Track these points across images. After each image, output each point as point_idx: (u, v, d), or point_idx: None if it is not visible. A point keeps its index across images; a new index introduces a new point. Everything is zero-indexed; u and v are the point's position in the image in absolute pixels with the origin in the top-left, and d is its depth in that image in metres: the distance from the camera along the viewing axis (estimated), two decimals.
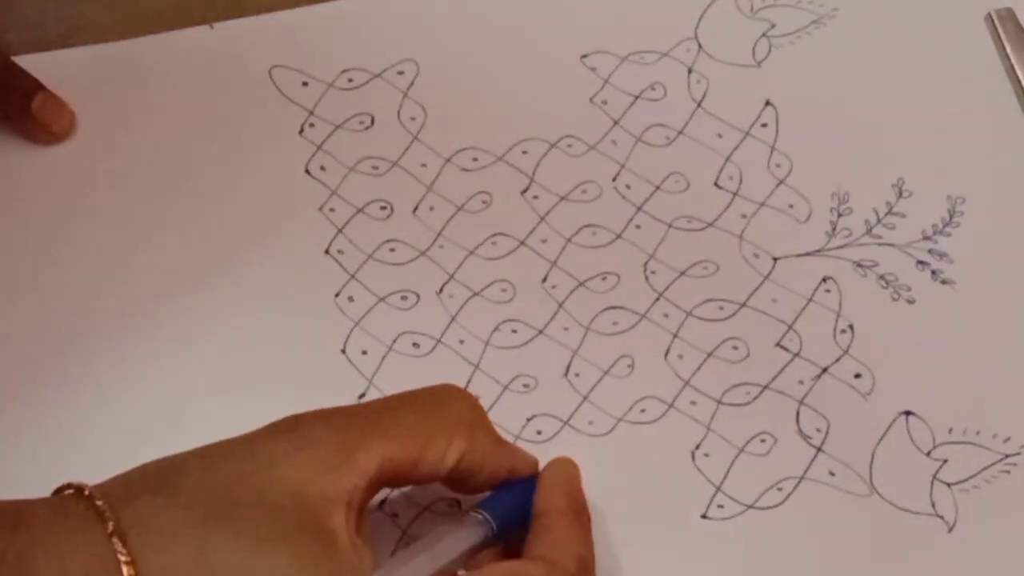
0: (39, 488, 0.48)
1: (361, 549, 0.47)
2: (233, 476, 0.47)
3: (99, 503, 0.46)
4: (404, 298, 0.61)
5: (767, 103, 0.67)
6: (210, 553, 0.45)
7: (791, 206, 0.64)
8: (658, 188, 0.64)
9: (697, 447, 0.57)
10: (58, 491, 0.48)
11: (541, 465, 0.54)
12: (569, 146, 0.65)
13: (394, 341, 0.60)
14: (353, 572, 0.47)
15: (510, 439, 0.57)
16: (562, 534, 0.50)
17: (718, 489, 0.56)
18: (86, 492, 0.47)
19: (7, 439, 0.57)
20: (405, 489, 0.55)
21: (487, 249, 0.62)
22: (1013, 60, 0.68)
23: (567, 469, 0.53)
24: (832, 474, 0.57)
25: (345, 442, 0.48)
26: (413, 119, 0.66)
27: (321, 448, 0.48)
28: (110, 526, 0.45)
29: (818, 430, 0.58)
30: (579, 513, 0.52)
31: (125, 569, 0.45)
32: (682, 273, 0.62)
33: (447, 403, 0.51)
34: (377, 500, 0.54)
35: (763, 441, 0.58)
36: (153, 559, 0.45)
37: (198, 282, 0.61)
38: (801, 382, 0.59)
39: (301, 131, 0.65)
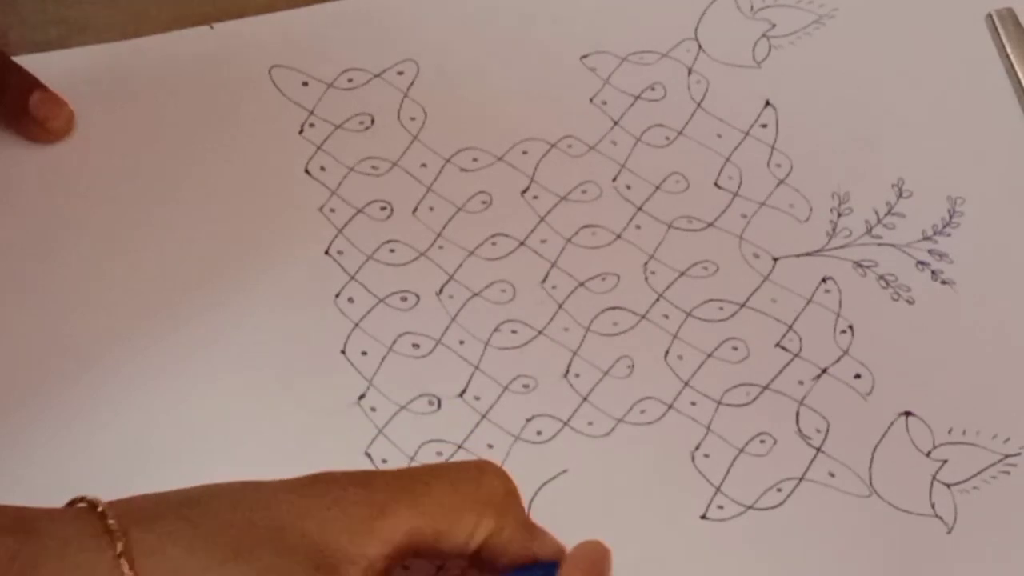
0: (37, 490, 0.48)
1: None
2: (257, 519, 0.47)
3: (111, 522, 0.45)
4: (404, 299, 0.61)
5: (767, 103, 0.67)
6: None
7: (791, 206, 0.64)
8: (658, 188, 0.64)
9: (697, 448, 0.57)
10: (72, 503, 0.47)
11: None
12: (569, 146, 0.65)
13: (394, 342, 0.60)
14: None
15: (510, 440, 0.57)
16: None
17: (718, 490, 0.56)
18: (99, 508, 0.46)
19: (6, 440, 0.57)
20: None
21: (487, 249, 0.62)
22: (1013, 60, 0.68)
23: (595, 552, 0.51)
24: (832, 475, 0.57)
25: (373, 507, 0.47)
26: (413, 119, 0.66)
27: (349, 510, 0.47)
28: (119, 547, 0.45)
29: (818, 431, 0.58)
30: None
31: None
32: (682, 273, 0.62)
33: (481, 481, 0.50)
34: None
35: (763, 442, 0.58)
36: None
37: (197, 283, 0.61)
38: (801, 382, 0.59)
39: (301, 131, 0.65)
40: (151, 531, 0.46)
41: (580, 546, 0.51)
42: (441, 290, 0.61)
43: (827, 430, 0.58)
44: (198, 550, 0.45)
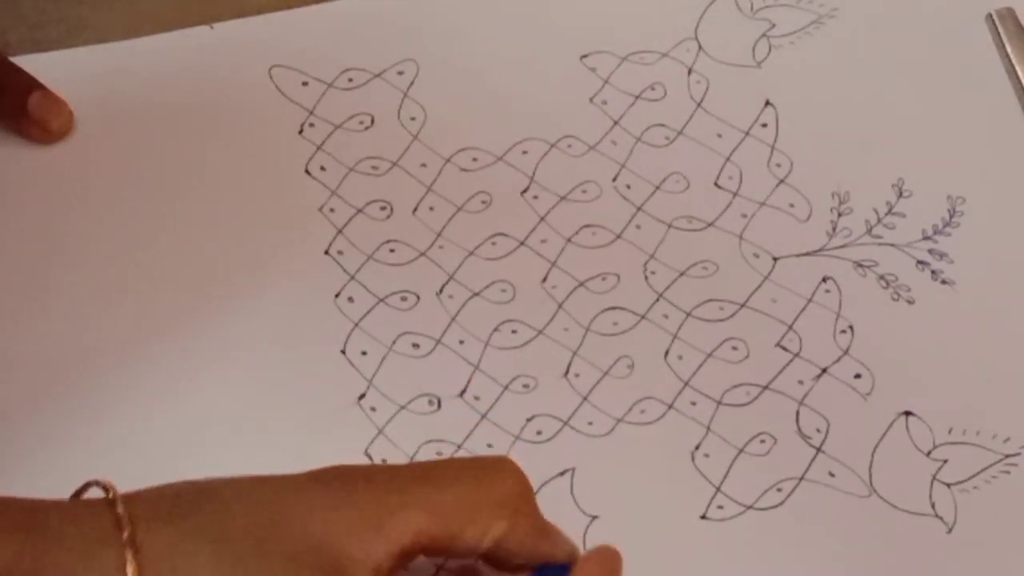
0: (37, 491, 0.48)
1: None
2: (263, 521, 0.46)
3: (119, 510, 0.45)
4: (404, 299, 0.61)
5: (767, 103, 0.67)
6: None
7: (791, 206, 0.64)
8: (658, 188, 0.64)
9: (697, 447, 0.57)
10: (84, 488, 0.47)
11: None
12: (569, 146, 0.65)
13: (394, 342, 0.60)
14: None
15: (509, 439, 0.57)
16: None
17: (718, 490, 0.56)
18: (111, 495, 0.46)
19: (6, 440, 0.57)
20: None
21: (487, 249, 0.62)
22: (1013, 60, 0.68)
23: (609, 558, 0.50)
24: (832, 475, 0.57)
25: (382, 507, 0.46)
26: (413, 119, 0.66)
27: (357, 510, 0.46)
28: (125, 533, 0.45)
29: (818, 430, 0.58)
30: None
31: (130, 569, 0.44)
32: (682, 273, 0.62)
33: (495, 480, 0.48)
34: None
35: (763, 442, 0.58)
36: None
37: (197, 282, 0.61)
38: (801, 382, 0.59)
39: (301, 131, 0.65)
40: (158, 532, 0.45)
41: (594, 550, 0.50)
42: (441, 290, 0.61)
43: (827, 430, 0.58)
44: (202, 553, 0.45)
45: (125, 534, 0.45)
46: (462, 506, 0.47)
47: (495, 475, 0.48)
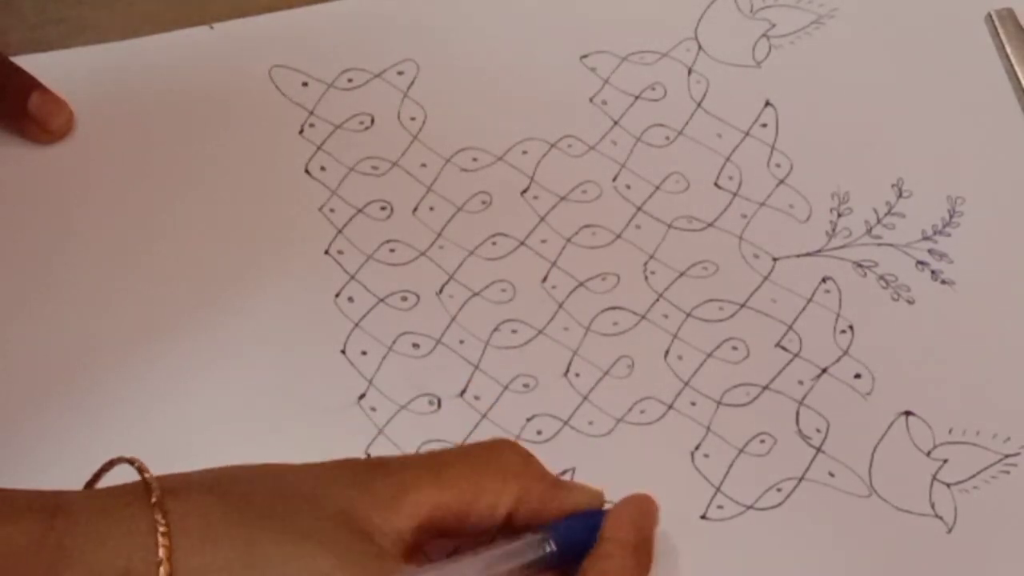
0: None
1: (406, 567, 0.47)
2: (287, 489, 0.48)
3: (147, 476, 0.47)
4: (404, 298, 0.61)
5: (767, 103, 0.67)
6: (255, 549, 0.46)
7: (791, 206, 0.64)
8: (658, 188, 0.64)
9: (697, 448, 0.57)
10: (109, 463, 0.49)
11: (608, 495, 0.53)
12: (569, 146, 0.65)
13: (394, 342, 0.60)
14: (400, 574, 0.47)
15: (509, 439, 0.57)
16: (620, 567, 0.50)
17: (717, 490, 0.56)
18: (136, 464, 0.48)
19: (5, 440, 0.57)
20: None
21: (487, 249, 0.62)
22: (1013, 60, 0.68)
23: (644, 504, 0.52)
24: (832, 475, 0.57)
25: (396, 487, 0.49)
26: (413, 119, 0.66)
27: (372, 489, 0.49)
28: (154, 496, 0.46)
29: (818, 430, 0.58)
30: (643, 550, 0.51)
31: (161, 540, 0.45)
32: (682, 273, 0.62)
33: (498, 455, 0.52)
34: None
35: (763, 442, 0.58)
36: (195, 546, 0.46)
37: (197, 282, 0.61)
38: (801, 382, 0.59)
39: (301, 131, 0.65)
40: (185, 499, 0.47)
41: (631, 496, 0.52)
42: (441, 290, 0.61)
43: (827, 430, 0.58)
44: (229, 515, 0.47)
45: (154, 497, 0.46)
46: (472, 478, 0.50)
47: (497, 451, 0.52)
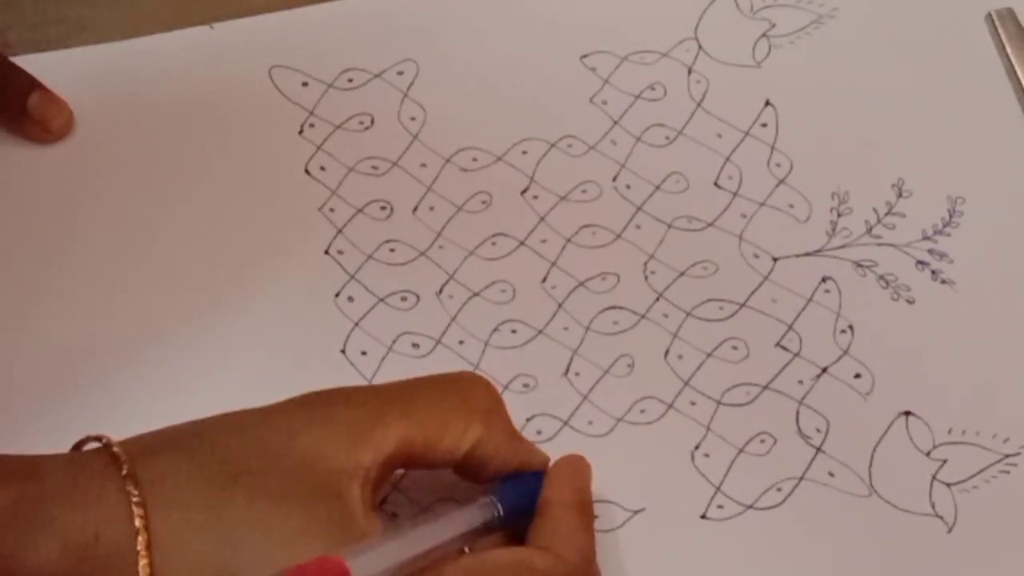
0: None
1: (374, 520, 0.48)
2: (250, 443, 0.48)
3: (116, 450, 0.47)
4: (404, 298, 0.61)
5: (767, 103, 0.67)
6: (225, 512, 0.46)
7: (791, 206, 0.64)
8: (658, 188, 0.64)
9: (697, 447, 0.57)
10: (79, 444, 0.49)
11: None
12: (569, 146, 0.65)
13: (394, 342, 0.60)
14: (365, 539, 0.47)
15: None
16: (567, 526, 0.51)
17: (718, 489, 0.56)
18: (104, 441, 0.48)
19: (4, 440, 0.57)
20: (406, 488, 0.55)
21: (487, 249, 0.62)
22: (1013, 60, 0.68)
23: (578, 465, 0.54)
24: (832, 474, 0.57)
25: (364, 419, 0.49)
26: (413, 119, 0.66)
27: (339, 424, 0.49)
28: (124, 469, 0.46)
29: (818, 430, 0.58)
30: (584, 508, 0.52)
31: (136, 511, 0.46)
32: (682, 273, 0.62)
33: (467, 389, 0.52)
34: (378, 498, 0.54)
35: (763, 441, 0.58)
36: (167, 512, 0.46)
37: (197, 282, 0.61)
38: (801, 382, 0.59)
39: (301, 131, 0.65)
40: (155, 463, 0.47)
41: (563, 459, 0.53)
42: (441, 290, 0.61)
43: (827, 430, 0.58)
44: (199, 477, 0.47)
45: (124, 469, 0.47)
46: (439, 414, 0.50)
47: (467, 386, 0.52)
